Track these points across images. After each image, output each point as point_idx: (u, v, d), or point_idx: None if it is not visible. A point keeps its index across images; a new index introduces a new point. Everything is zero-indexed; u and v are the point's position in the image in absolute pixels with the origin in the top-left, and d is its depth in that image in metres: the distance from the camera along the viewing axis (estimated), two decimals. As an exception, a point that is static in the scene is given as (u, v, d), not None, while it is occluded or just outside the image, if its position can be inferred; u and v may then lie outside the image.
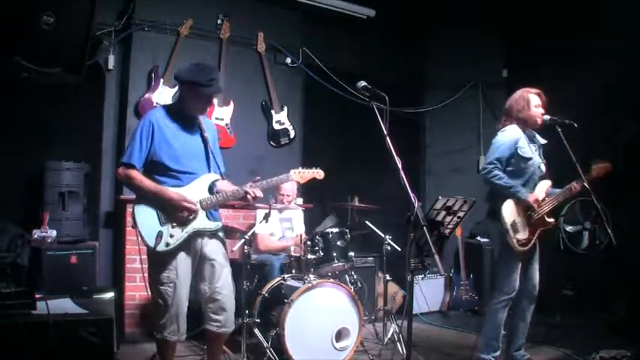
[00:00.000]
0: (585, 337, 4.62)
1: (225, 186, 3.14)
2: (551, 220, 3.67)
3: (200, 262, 3.10)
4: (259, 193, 3.07)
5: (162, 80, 4.92)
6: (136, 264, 4.73)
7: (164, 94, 4.93)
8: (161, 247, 2.94)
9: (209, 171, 3.15)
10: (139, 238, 2.98)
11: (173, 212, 2.98)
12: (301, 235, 4.37)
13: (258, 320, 3.91)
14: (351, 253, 4.40)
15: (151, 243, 2.94)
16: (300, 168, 3.31)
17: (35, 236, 4.03)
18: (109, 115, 5.01)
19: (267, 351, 3.73)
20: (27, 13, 2.76)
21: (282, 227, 4.84)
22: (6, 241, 4.15)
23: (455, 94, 6.62)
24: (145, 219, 2.97)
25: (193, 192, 3.04)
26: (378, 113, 2.75)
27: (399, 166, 2.64)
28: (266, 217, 3.82)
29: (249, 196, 3.05)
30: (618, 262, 5.06)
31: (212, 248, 3.11)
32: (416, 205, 2.60)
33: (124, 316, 4.62)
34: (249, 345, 3.78)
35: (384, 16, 6.11)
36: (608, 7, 5.21)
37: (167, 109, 3.14)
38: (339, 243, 4.28)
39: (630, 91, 5.12)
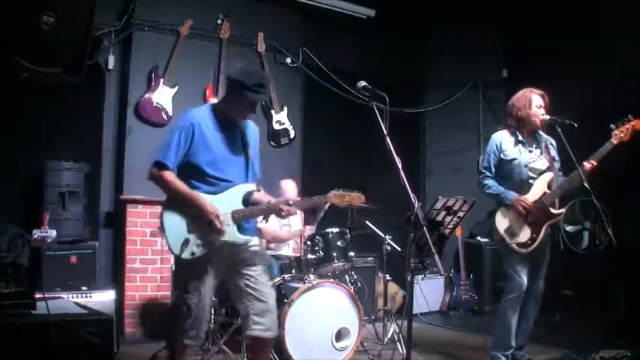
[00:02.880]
0: (585, 337, 4.62)
1: (262, 197, 2.99)
2: (559, 211, 3.62)
3: (236, 266, 2.94)
4: (293, 211, 2.92)
5: (162, 80, 4.93)
6: (136, 264, 4.74)
7: (164, 94, 4.94)
8: (186, 255, 2.81)
9: (246, 179, 2.98)
10: (164, 244, 2.87)
11: (201, 223, 2.82)
12: (302, 232, 4.39)
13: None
14: (351, 253, 4.40)
15: (176, 250, 2.80)
16: (341, 190, 2.98)
17: (35, 236, 4.03)
18: (109, 115, 5.02)
19: (267, 351, 3.73)
20: (27, 13, 2.76)
21: (280, 224, 4.84)
22: (6, 241, 4.15)
23: (455, 94, 6.62)
24: (173, 224, 2.83)
25: (227, 201, 2.87)
26: (378, 113, 2.75)
27: (399, 166, 2.63)
28: (265, 217, 3.78)
29: (282, 213, 2.89)
30: (618, 262, 5.05)
31: (249, 251, 2.96)
32: (416, 205, 2.59)
33: (124, 316, 4.62)
34: (249, 345, 3.77)
35: (384, 15, 6.10)
36: (608, 8, 5.21)
37: (211, 109, 2.98)
38: (339, 243, 4.28)
39: (630, 91, 5.12)
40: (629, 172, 4.96)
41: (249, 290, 2.93)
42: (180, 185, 2.83)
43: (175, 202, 2.86)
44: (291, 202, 2.91)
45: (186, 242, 2.80)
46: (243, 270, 2.94)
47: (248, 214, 2.92)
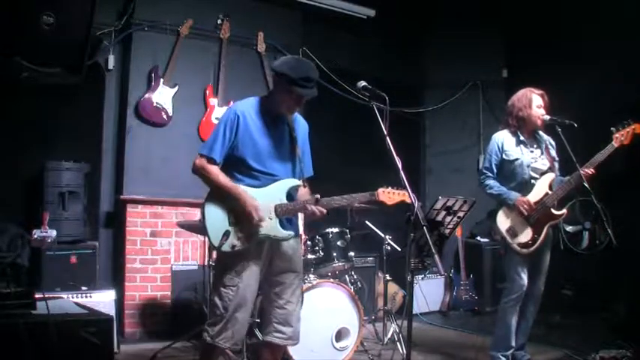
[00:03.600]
0: (585, 337, 4.62)
1: (304, 195, 2.91)
2: (561, 212, 3.64)
3: (270, 269, 2.88)
4: (318, 212, 2.79)
5: (162, 80, 4.92)
6: (136, 264, 4.74)
7: (164, 94, 4.94)
8: (225, 248, 2.73)
9: (293, 174, 2.91)
10: (205, 237, 2.81)
11: (242, 215, 2.75)
12: (301, 236, 4.37)
13: (258, 320, 3.90)
14: (351, 253, 4.39)
15: (216, 242, 2.73)
16: (390, 187, 2.89)
17: (35, 236, 4.03)
18: (109, 115, 5.02)
19: (268, 351, 3.72)
20: (27, 13, 2.76)
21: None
22: (6, 241, 4.15)
23: (455, 94, 6.62)
24: (215, 217, 2.77)
25: (270, 195, 2.81)
26: (378, 113, 2.75)
27: (399, 166, 2.63)
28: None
29: (307, 213, 2.81)
30: (618, 262, 5.05)
31: (286, 255, 2.89)
32: (416, 205, 2.59)
33: (124, 316, 4.62)
34: (249, 345, 3.78)
35: (384, 16, 6.11)
36: (608, 7, 5.21)
37: (258, 102, 2.90)
38: (339, 243, 4.28)
39: (630, 91, 5.12)
40: (628, 171, 4.96)
41: (275, 298, 2.88)
42: (224, 179, 2.77)
43: (217, 194, 2.80)
44: (322, 201, 2.80)
45: (226, 234, 2.74)
46: (275, 276, 2.89)
47: (291, 208, 2.84)
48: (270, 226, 2.79)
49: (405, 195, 2.84)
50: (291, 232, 2.89)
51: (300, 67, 2.81)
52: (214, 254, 2.99)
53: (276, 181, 2.84)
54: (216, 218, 2.77)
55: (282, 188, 2.85)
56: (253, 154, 2.80)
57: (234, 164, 2.82)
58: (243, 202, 2.73)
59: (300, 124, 3.02)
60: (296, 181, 2.91)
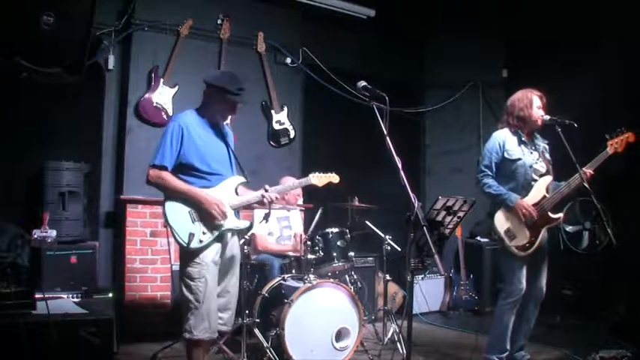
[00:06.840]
0: (585, 337, 4.62)
1: (245, 190, 3.27)
2: (557, 215, 3.62)
3: (221, 260, 3.16)
4: (274, 196, 3.20)
5: (162, 80, 4.93)
6: (136, 264, 4.74)
7: (164, 94, 4.94)
8: (194, 245, 3.00)
9: (233, 173, 3.24)
10: (172, 236, 3.02)
11: (205, 212, 3.04)
12: (300, 236, 4.37)
13: (258, 320, 3.91)
14: (351, 253, 4.40)
15: (185, 240, 2.99)
16: (318, 172, 3.44)
17: (35, 236, 4.03)
18: (109, 115, 5.02)
19: (267, 351, 3.73)
20: (27, 13, 2.76)
21: (280, 226, 4.84)
22: (6, 241, 4.15)
23: (455, 94, 6.62)
24: (177, 217, 3.03)
25: (222, 193, 3.12)
26: (378, 113, 2.76)
27: (399, 166, 2.63)
28: (266, 217, 3.77)
29: (265, 200, 3.17)
30: (618, 262, 5.05)
31: (232, 246, 3.23)
32: (416, 205, 2.59)
33: (124, 316, 4.61)
34: (249, 345, 3.78)
35: (384, 16, 6.11)
36: (608, 8, 5.21)
37: (195, 113, 3.20)
38: (339, 243, 4.28)
39: (630, 91, 5.12)
40: (628, 172, 4.96)
41: (219, 288, 3.15)
42: (182, 185, 3.04)
43: (174, 195, 3.05)
44: (271, 188, 3.21)
45: (192, 232, 2.99)
46: (223, 266, 3.17)
47: (245, 202, 3.20)
48: (229, 220, 3.12)
49: (332, 177, 3.47)
50: (248, 222, 3.29)
51: (232, 78, 3.19)
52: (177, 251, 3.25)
53: (224, 179, 3.17)
54: (180, 218, 3.03)
55: (231, 185, 3.20)
56: (199, 158, 3.09)
57: (183, 170, 3.09)
58: (207, 203, 3.02)
59: (229, 132, 3.36)
60: (241, 178, 3.26)
